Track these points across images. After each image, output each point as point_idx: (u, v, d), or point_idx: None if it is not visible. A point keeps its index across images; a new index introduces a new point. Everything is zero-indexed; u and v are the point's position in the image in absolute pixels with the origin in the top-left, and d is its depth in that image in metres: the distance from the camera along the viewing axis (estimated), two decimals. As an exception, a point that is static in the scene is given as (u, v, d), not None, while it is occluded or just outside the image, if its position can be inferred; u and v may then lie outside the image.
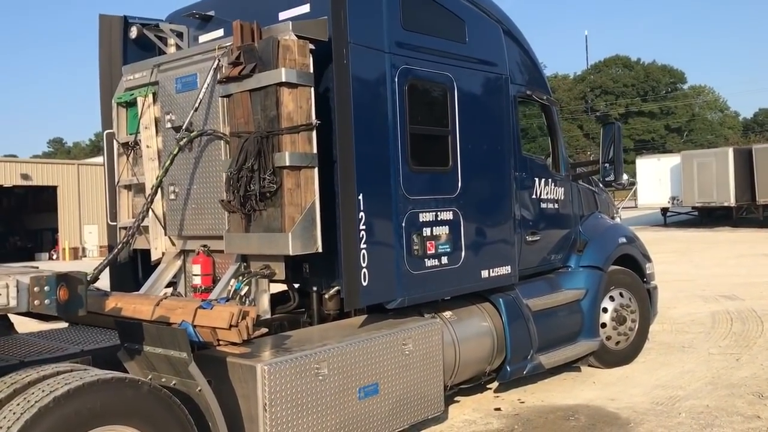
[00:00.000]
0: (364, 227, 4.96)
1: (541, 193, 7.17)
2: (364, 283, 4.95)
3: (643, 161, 37.15)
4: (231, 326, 4.20)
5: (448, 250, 5.75)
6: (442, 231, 5.71)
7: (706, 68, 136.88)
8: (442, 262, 5.69)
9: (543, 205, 7.21)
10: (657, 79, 78.76)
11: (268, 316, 5.40)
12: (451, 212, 5.81)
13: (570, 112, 74.24)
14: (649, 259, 8.59)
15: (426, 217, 5.56)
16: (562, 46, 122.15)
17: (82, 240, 36.47)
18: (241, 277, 5.03)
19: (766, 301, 11.83)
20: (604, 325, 7.70)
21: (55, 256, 36.22)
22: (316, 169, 4.94)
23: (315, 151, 4.93)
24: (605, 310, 7.74)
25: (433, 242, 5.60)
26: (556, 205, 7.43)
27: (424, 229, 5.54)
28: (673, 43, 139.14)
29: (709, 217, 33.53)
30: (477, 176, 6.11)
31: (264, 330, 4.59)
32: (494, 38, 6.41)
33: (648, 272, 8.47)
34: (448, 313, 6.05)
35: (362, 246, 4.94)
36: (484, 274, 6.15)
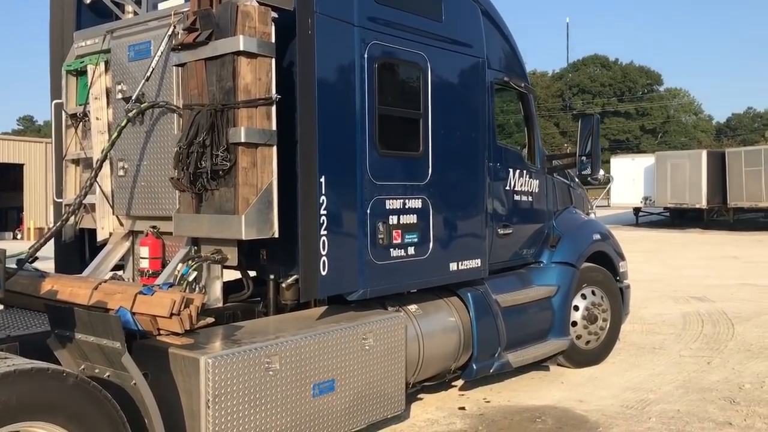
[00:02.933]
0: (324, 212, 4.62)
1: (515, 184, 6.89)
2: (323, 273, 4.61)
3: (618, 161, 37.22)
4: (172, 315, 3.83)
5: (416, 240, 5.44)
6: (410, 220, 5.39)
7: (683, 71, 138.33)
8: (409, 253, 5.38)
9: (517, 198, 6.93)
10: (634, 79, 79.26)
11: (220, 304, 5.04)
12: (420, 200, 5.48)
13: (547, 110, 74.43)
14: (622, 257, 8.38)
15: (393, 204, 5.24)
16: (541, 43, 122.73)
17: (48, 220, 35.48)
18: (189, 262, 4.65)
19: (736, 304, 11.74)
20: (574, 324, 7.47)
21: (19, 236, 35.26)
22: (274, 148, 4.57)
23: (274, 128, 4.56)
24: (576, 308, 7.51)
25: (399, 231, 5.27)
26: (530, 198, 7.16)
27: (391, 217, 5.21)
28: (652, 45, 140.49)
29: (680, 218, 33.72)
30: (449, 164, 5.80)
31: (210, 320, 4.23)
32: (472, 18, 6.09)
33: (621, 271, 8.25)
34: (413, 307, 5.74)
35: (322, 233, 4.60)
36: (453, 266, 5.85)
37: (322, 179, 4.58)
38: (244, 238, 4.40)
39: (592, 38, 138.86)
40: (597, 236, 7.99)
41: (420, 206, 5.48)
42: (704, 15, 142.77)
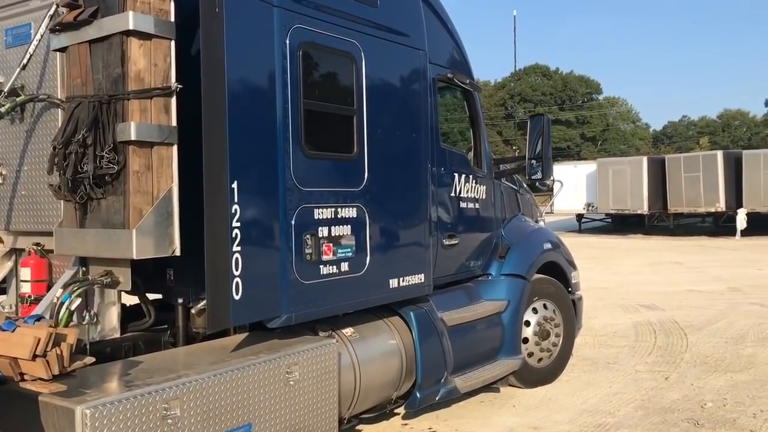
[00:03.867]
0: (238, 225, 3.88)
1: (460, 191, 6.28)
2: (236, 297, 3.87)
3: (560, 168, 37.30)
4: (35, 356, 3.04)
5: (350, 254, 4.75)
6: (343, 231, 4.70)
7: (621, 81, 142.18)
8: (342, 270, 4.68)
9: (463, 205, 6.32)
10: (574, 88, 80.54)
11: (117, 334, 4.25)
12: (354, 209, 4.80)
13: (490, 119, 74.92)
14: (574, 267, 7.88)
15: (323, 213, 4.54)
16: (483, 53, 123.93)
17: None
18: (73, 286, 3.84)
19: (685, 312, 11.46)
20: (525, 341, 6.90)
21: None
22: (174, 148, 3.82)
23: (174, 123, 3.81)
24: (527, 323, 6.94)
25: (330, 245, 4.58)
26: (477, 205, 6.56)
27: (320, 228, 4.52)
28: (591, 55, 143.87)
29: (621, 224, 34.01)
30: (387, 167, 5.14)
31: (88, 360, 3.43)
32: (411, 6, 5.46)
33: (573, 282, 7.75)
34: (348, 330, 5.04)
35: (234, 249, 3.86)
36: (393, 283, 5.19)
37: (235, 185, 3.84)
38: (135, 257, 3.63)
39: (533, 48, 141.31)
40: (548, 245, 7.47)
41: (355, 216, 4.80)
42: (640, 27, 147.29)
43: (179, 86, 3.79)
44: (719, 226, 30.31)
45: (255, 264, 3.98)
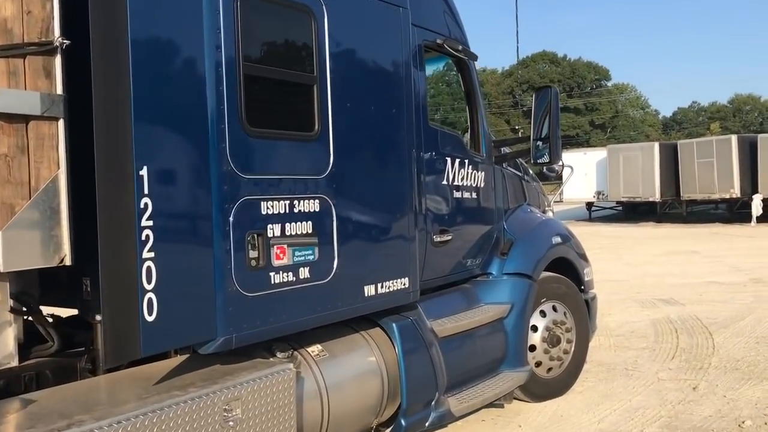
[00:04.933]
0: (149, 224, 2.97)
1: (454, 178, 5.35)
2: (149, 318, 2.97)
3: (570, 155, 36.26)
4: None
5: (312, 258, 3.84)
6: (302, 229, 3.79)
7: (629, 67, 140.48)
8: (301, 277, 3.78)
9: (457, 194, 5.39)
10: (582, 75, 79.27)
11: (13, 363, 3.35)
12: (316, 201, 3.89)
13: (498, 107, 73.84)
14: (587, 262, 6.97)
15: (273, 207, 3.63)
16: (489, 40, 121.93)
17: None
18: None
19: (707, 307, 10.53)
20: (533, 348, 6.02)
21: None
22: (61, 123, 2.91)
23: (60, 90, 2.90)
24: (535, 328, 6.05)
25: (284, 247, 3.67)
26: (475, 195, 5.64)
27: (270, 226, 3.61)
28: (599, 41, 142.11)
29: (633, 212, 33.02)
30: (360, 149, 4.24)
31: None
32: (387, -47, 4.54)
33: (586, 279, 6.83)
34: (315, 348, 4.15)
35: (146, 255, 2.96)
36: (369, 291, 4.29)
37: (144, 171, 2.94)
38: (1, 269, 2.73)
39: (541, 35, 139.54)
40: (557, 239, 6.54)
41: (317, 209, 3.89)
42: (649, 12, 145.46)
43: (66, 42, 2.88)
44: (734, 212, 29.28)
45: (176, 274, 3.08)
